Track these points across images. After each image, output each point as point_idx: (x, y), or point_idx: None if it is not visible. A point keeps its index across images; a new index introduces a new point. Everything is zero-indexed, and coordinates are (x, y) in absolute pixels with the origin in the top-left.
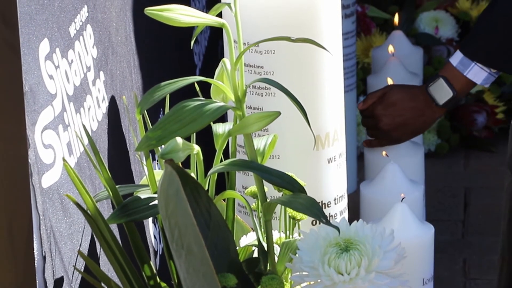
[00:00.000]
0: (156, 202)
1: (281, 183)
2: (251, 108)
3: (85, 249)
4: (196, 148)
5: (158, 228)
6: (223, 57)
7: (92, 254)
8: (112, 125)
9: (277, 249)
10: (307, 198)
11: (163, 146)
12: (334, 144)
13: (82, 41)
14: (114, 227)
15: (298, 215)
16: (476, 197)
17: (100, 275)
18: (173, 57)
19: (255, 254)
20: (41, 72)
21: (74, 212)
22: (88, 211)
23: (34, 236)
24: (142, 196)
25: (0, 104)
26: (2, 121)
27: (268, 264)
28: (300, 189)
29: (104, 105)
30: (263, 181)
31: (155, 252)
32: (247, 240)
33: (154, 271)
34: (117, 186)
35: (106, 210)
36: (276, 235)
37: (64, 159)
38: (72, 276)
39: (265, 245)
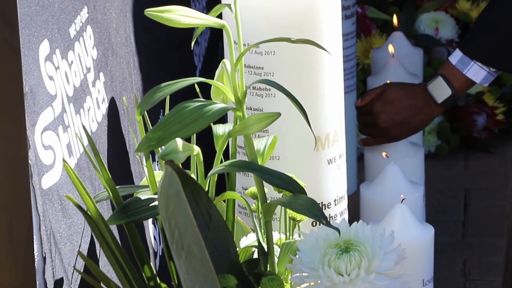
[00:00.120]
0: (156, 203)
1: (281, 184)
2: (251, 109)
3: (85, 250)
4: (196, 149)
5: (158, 229)
6: (223, 58)
7: (92, 255)
8: (112, 126)
9: (277, 250)
10: (307, 199)
11: (163, 147)
12: (334, 145)
13: (82, 42)
14: (114, 228)
15: (298, 216)
16: (476, 198)
17: (100, 276)
18: (173, 58)
19: (255, 255)
20: (41, 73)
21: (74, 213)
22: (88, 212)
23: (34, 237)
24: (142, 197)
25: (0, 105)
26: (2, 122)
27: (268, 265)
28: (300, 190)
29: (104, 106)
30: (263, 182)
31: (155, 253)
32: (247, 241)
33: (154, 272)
34: (117, 187)
35: (106, 211)
36: (276, 236)
37: (64, 160)
38: (72, 277)
39: (265, 246)
